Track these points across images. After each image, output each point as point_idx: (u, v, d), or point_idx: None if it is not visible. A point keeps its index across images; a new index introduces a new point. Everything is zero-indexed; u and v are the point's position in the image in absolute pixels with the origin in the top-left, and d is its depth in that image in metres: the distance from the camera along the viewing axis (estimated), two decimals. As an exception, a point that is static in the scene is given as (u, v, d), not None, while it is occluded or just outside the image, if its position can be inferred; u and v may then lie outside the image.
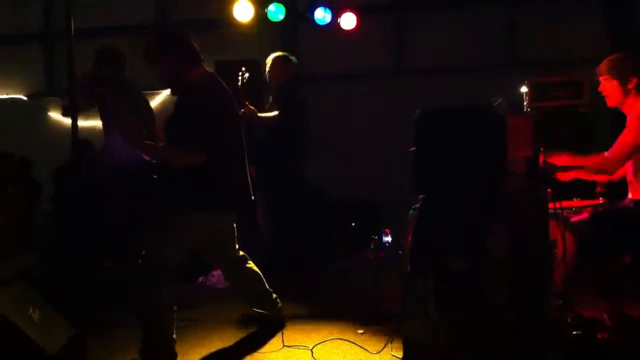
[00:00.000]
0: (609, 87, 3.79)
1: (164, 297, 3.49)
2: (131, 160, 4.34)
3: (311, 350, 3.82)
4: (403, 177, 3.31)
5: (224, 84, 3.75)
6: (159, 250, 3.47)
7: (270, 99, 5.71)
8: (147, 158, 3.64)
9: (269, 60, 5.75)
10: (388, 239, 4.59)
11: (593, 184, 4.15)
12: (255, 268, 4.17)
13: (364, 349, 3.78)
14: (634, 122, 3.63)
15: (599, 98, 3.97)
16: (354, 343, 3.89)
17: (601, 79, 3.83)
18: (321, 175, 6.45)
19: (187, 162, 3.47)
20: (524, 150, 3.00)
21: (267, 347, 3.95)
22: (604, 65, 3.82)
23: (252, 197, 3.92)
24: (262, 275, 4.19)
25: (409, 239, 3.20)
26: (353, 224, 6.01)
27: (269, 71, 5.73)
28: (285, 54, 5.83)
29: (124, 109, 3.63)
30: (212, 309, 4.80)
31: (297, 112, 5.63)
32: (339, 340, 3.96)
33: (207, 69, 3.74)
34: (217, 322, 4.46)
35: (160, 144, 3.68)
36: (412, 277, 3.07)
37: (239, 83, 5.29)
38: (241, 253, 4.11)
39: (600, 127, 5.61)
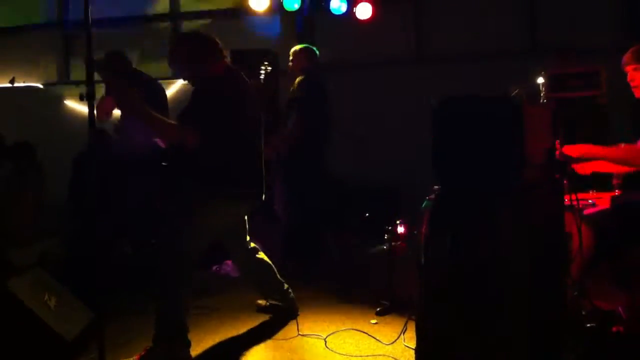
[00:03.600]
0: (637, 77, 3.73)
1: (180, 285, 3.51)
2: (143, 144, 4.39)
3: (325, 339, 3.84)
4: (422, 165, 3.30)
5: (242, 75, 3.81)
6: (177, 236, 3.50)
7: (291, 90, 5.63)
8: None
9: (293, 51, 5.69)
10: (402, 229, 4.58)
11: (609, 175, 4.12)
12: (266, 259, 4.20)
13: (377, 339, 3.79)
14: None
15: (617, 88, 3.93)
16: (367, 334, 3.90)
17: (629, 68, 3.77)
18: (339, 163, 6.43)
19: (177, 136, 3.52)
20: (541, 141, 2.98)
21: (281, 334, 3.98)
22: (631, 55, 3.76)
23: (268, 187, 3.96)
24: (273, 266, 4.22)
25: (424, 229, 3.19)
26: (367, 214, 5.99)
27: (292, 62, 5.67)
28: (308, 45, 5.78)
29: (123, 83, 3.63)
30: (226, 297, 4.82)
31: (319, 101, 5.55)
32: (352, 330, 3.98)
33: (228, 62, 3.82)
34: (231, 310, 4.49)
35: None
36: (427, 269, 3.06)
37: (261, 77, 5.27)
38: (252, 244, 4.15)
39: (617, 117, 5.55)
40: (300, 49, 5.68)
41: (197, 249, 3.62)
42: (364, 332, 3.93)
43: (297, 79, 5.47)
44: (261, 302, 4.41)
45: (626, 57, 3.78)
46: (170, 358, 3.46)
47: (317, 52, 5.73)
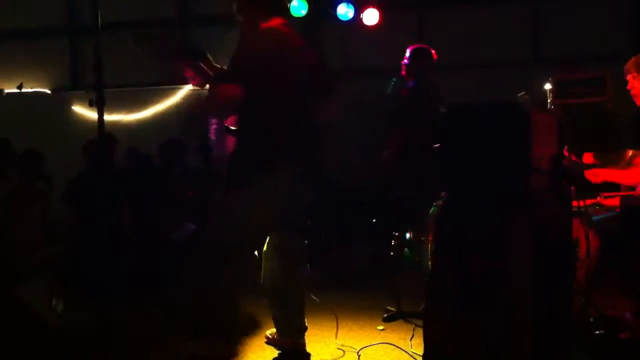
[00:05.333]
0: (638, 85, 3.74)
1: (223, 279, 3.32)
2: None
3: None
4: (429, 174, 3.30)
5: (291, 37, 3.52)
6: (219, 228, 3.34)
7: None
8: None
9: None
10: (409, 235, 4.58)
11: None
12: (300, 286, 3.65)
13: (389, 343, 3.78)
14: None
15: (623, 94, 3.93)
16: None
17: (629, 77, 3.79)
18: (340, 170, 6.43)
19: (224, 95, 3.32)
20: (548, 147, 2.98)
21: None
22: (632, 63, 3.77)
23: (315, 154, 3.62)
24: (302, 296, 3.66)
25: (431, 236, 3.19)
26: (374, 220, 6.00)
27: None
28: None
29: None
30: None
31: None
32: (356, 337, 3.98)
33: (281, 21, 3.52)
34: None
35: None
36: (435, 276, 3.06)
37: None
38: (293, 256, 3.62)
39: (623, 123, 5.54)
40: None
41: (246, 237, 3.33)
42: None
43: None
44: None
45: (628, 65, 3.81)
46: None
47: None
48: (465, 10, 8.09)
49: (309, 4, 6.85)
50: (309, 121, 3.53)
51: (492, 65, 7.71)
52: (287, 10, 3.62)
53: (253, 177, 3.29)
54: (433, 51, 5.47)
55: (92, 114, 3.36)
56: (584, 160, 3.73)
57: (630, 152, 4.02)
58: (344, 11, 7.06)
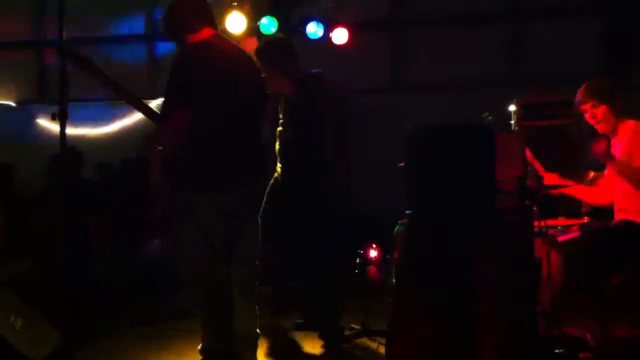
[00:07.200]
0: (600, 113, 3.78)
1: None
2: None
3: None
4: (396, 192, 3.30)
5: (225, 47, 3.45)
6: (182, 259, 3.40)
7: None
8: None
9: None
10: (374, 253, 4.59)
11: (578, 203, 4.18)
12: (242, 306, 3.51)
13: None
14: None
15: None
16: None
17: (586, 107, 3.81)
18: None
19: (174, 123, 3.21)
20: (513, 168, 3.02)
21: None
22: (584, 93, 3.81)
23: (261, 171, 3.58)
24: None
25: (396, 254, 3.21)
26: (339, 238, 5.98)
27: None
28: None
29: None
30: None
31: None
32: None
33: (211, 31, 3.43)
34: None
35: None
36: (399, 293, 3.07)
37: None
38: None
39: (586, 145, 5.64)
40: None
41: (213, 260, 3.36)
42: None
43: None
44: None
45: (579, 97, 3.82)
46: None
47: None
48: (439, 30, 8.17)
49: (278, 21, 6.86)
50: (256, 139, 3.50)
51: (463, 86, 7.79)
52: (214, 20, 3.50)
53: (192, 199, 3.27)
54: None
55: (57, 128, 3.31)
56: (545, 181, 3.78)
57: (592, 174, 4.10)
58: (314, 30, 7.06)
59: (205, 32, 3.39)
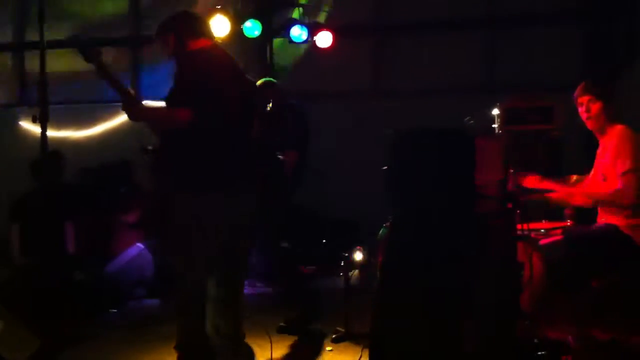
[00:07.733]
0: (594, 108, 3.83)
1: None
2: None
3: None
4: (379, 196, 3.30)
5: (222, 56, 3.56)
6: (178, 259, 3.38)
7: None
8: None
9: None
10: (359, 256, 4.59)
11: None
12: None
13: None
14: (626, 148, 3.68)
15: (572, 123, 4.02)
16: None
17: (583, 99, 3.85)
18: (298, 193, 6.41)
19: (175, 118, 3.27)
20: (493, 172, 3.04)
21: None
22: (585, 87, 3.86)
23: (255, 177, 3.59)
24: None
25: (380, 257, 3.21)
26: (324, 240, 5.99)
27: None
28: (267, 79, 5.71)
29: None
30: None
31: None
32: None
33: (209, 41, 3.55)
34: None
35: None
36: (383, 297, 3.08)
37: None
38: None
39: (569, 150, 5.69)
40: (260, 85, 5.64)
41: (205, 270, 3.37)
42: None
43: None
44: None
45: (579, 89, 3.88)
46: None
47: (277, 83, 5.72)
48: (421, 37, 8.20)
49: (262, 25, 6.86)
50: (249, 144, 3.54)
51: (444, 91, 7.82)
52: (211, 32, 3.64)
53: (190, 199, 3.29)
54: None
55: (39, 130, 3.29)
56: (526, 184, 3.80)
57: (575, 177, 4.13)
58: (298, 33, 7.06)
59: (204, 42, 3.50)
